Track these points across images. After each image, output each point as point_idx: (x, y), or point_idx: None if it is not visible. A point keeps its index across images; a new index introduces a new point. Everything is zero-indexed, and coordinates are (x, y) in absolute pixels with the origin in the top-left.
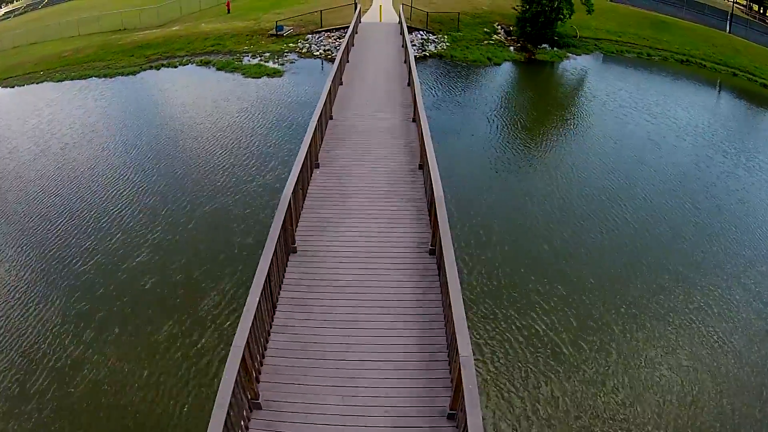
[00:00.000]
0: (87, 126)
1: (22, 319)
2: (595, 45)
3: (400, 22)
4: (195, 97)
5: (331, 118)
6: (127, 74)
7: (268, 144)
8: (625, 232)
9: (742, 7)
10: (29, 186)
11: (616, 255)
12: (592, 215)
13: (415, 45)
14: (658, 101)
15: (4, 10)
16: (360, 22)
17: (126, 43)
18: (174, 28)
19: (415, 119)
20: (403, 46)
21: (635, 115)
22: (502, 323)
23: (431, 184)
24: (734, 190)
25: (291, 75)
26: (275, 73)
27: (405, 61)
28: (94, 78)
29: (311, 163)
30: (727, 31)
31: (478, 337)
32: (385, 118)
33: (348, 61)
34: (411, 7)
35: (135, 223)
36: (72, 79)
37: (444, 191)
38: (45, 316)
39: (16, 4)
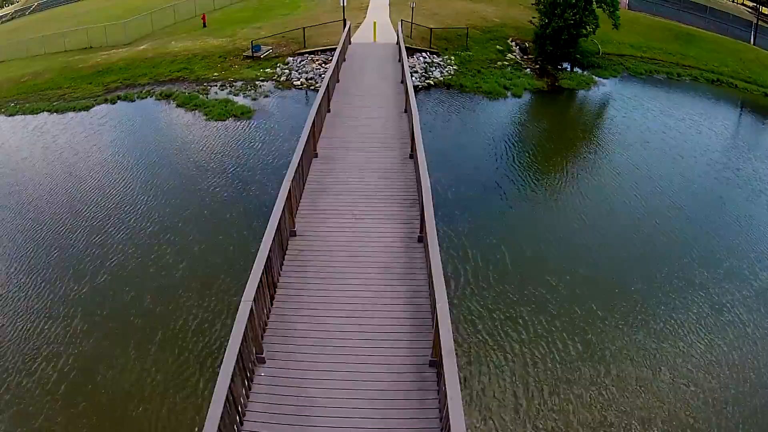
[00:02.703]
0: (24, 195)
1: None
2: (621, 64)
3: (398, 44)
4: (131, 160)
5: (293, 233)
6: (80, 110)
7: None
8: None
9: (750, 11)
10: None
11: None
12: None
13: (417, 71)
14: (711, 144)
15: None
16: (350, 44)
17: (87, 66)
18: (142, 47)
19: (422, 236)
20: (402, 83)
21: (699, 169)
22: None
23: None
24: None
25: (262, 117)
26: (243, 114)
27: (405, 110)
28: (45, 113)
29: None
30: (752, 42)
31: None
32: (377, 230)
33: (329, 110)
34: (411, 23)
35: None
36: (24, 113)
37: None
38: None
39: (5, 10)
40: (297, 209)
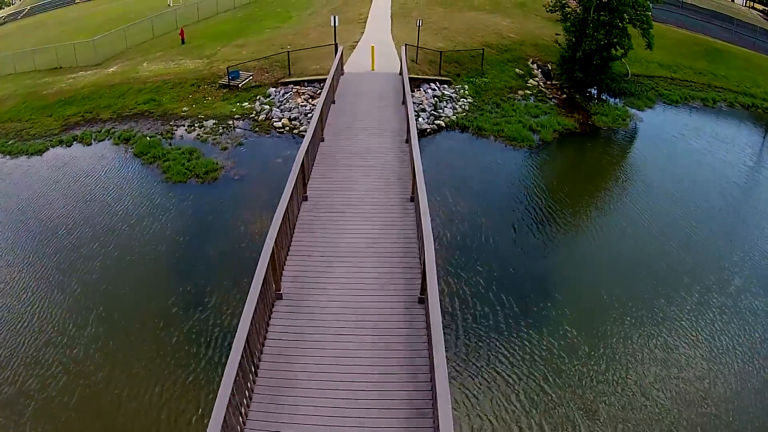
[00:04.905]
0: None
1: None
2: (653, 89)
3: (402, 77)
4: (67, 254)
5: None
6: (33, 153)
7: None
8: None
9: (762, 15)
10: None
11: None
12: None
13: (425, 110)
14: None
15: None
16: (342, 74)
17: (51, 93)
18: (110, 70)
19: None
20: (407, 141)
21: None
22: None
23: None
24: None
25: (229, 181)
26: (208, 174)
27: (412, 198)
28: None
29: None
30: None
31: None
32: None
33: (306, 198)
34: (417, 47)
35: None
36: None
37: None
38: None
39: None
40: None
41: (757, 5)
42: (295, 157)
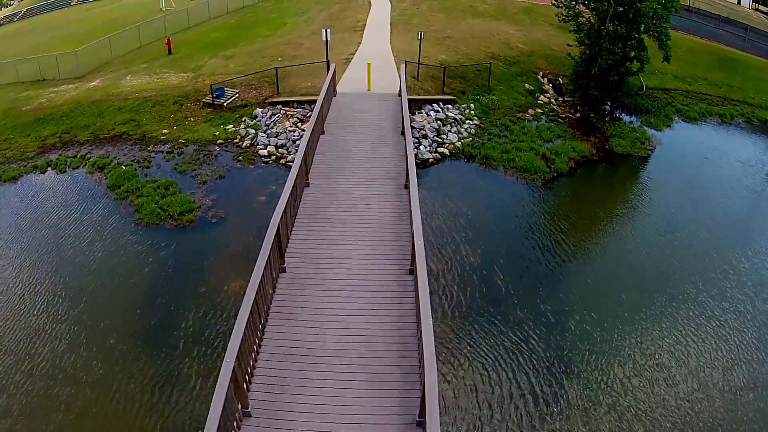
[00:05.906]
0: None
1: None
2: (670, 104)
3: (401, 99)
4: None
5: None
6: (7, 180)
7: None
8: None
9: (765, 16)
10: None
11: None
12: None
13: (426, 136)
14: None
15: None
16: (335, 95)
17: (31, 109)
18: (92, 84)
19: None
20: (406, 187)
21: None
22: None
23: None
24: None
25: (208, 221)
26: (183, 215)
27: (411, 270)
28: None
29: None
30: None
31: None
32: None
33: (284, 270)
34: (418, 64)
35: None
36: None
37: None
38: None
39: None
40: None
41: (762, 7)
42: (272, 216)
